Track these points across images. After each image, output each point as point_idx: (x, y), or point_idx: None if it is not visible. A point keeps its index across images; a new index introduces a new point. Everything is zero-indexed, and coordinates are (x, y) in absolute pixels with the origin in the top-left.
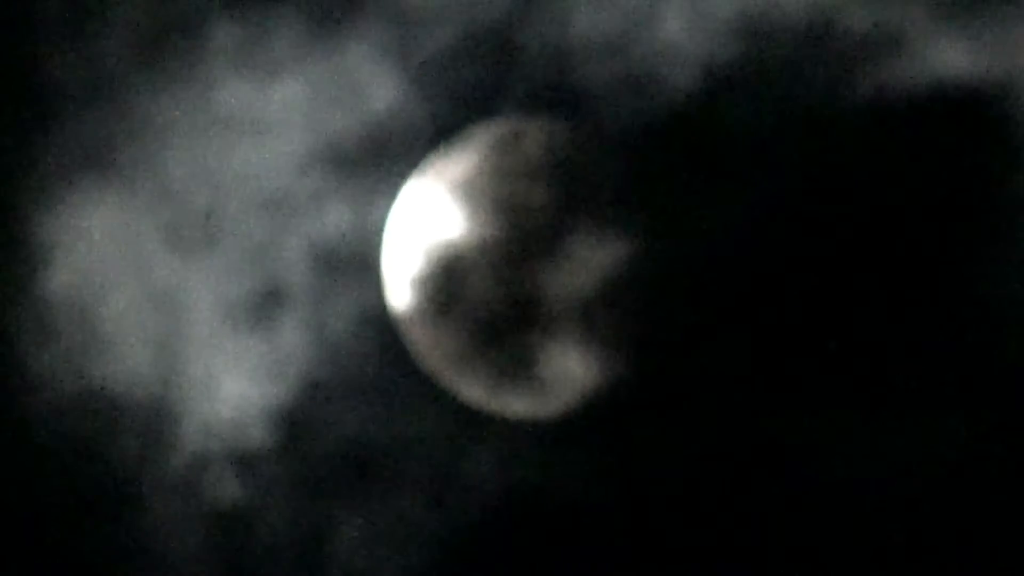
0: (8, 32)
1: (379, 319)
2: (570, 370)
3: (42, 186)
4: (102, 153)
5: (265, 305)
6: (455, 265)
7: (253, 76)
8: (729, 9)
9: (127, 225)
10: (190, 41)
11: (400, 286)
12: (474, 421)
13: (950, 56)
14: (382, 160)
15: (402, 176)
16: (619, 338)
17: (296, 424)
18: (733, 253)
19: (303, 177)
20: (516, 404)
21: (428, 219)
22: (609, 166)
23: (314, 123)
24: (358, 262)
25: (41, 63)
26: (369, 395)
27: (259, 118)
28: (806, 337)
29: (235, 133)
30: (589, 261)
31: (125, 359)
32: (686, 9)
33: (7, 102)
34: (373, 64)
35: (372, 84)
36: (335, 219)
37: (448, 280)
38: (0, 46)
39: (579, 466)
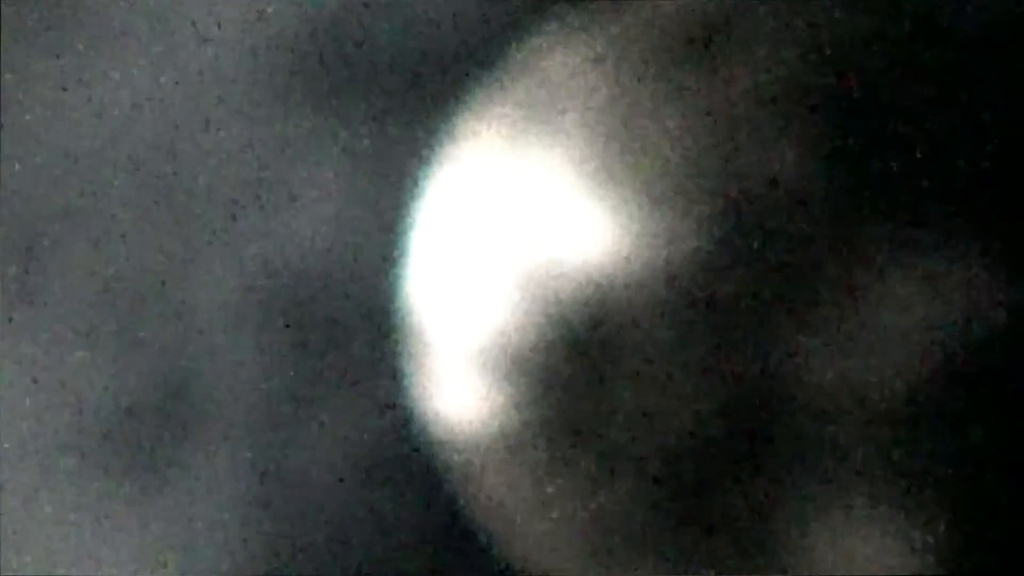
0: None
1: (401, 449)
2: (847, 557)
3: None
4: None
5: (147, 424)
6: (595, 311)
7: None
8: None
9: None
10: None
11: (450, 369)
12: None
13: None
14: (402, 87)
15: (445, 120)
16: (955, 491)
17: None
18: None
19: (233, 137)
20: None
21: (514, 211)
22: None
23: (263, 19)
24: (352, 318)
25: None
26: None
27: (143, 18)
28: None
29: (96, 49)
30: (906, 321)
31: None
32: None
33: None
34: None
35: None
36: (303, 226)
37: (582, 355)
38: None
39: None
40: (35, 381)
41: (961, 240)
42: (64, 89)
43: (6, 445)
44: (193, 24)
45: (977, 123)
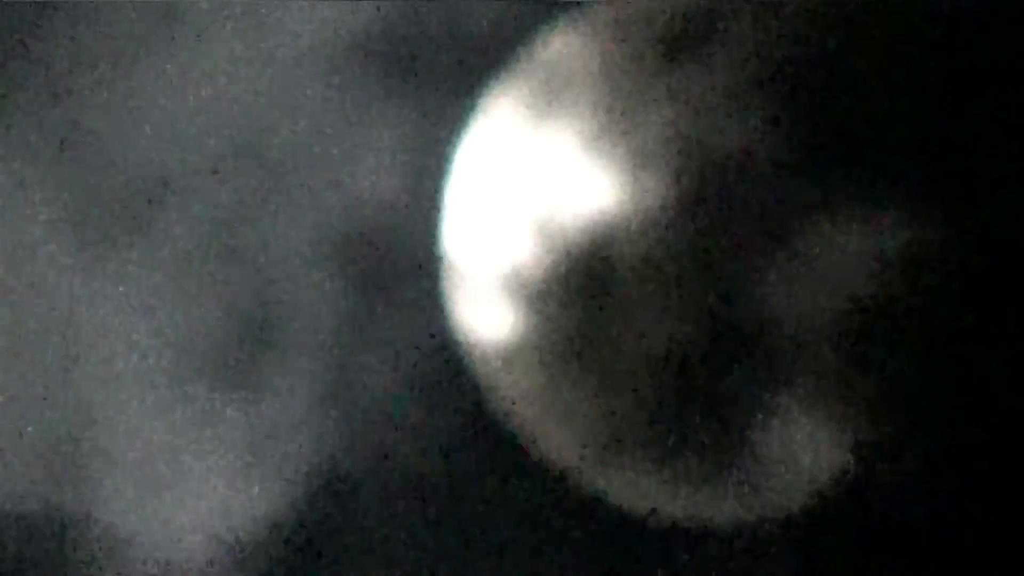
0: None
1: (443, 363)
2: (799, 446)
3: None
4: None
5: (238, 344)
6: (598, 250)
7: None
8: None
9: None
10: None
11: (483, 298)
12: (634, 537)
13: None
14: (444, 74)
15: (478, 99)
16: (884, 397)
17: (304, 553)
18: None
19: (311, 109)
20: (707, 505)
21: (533, 171)
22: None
23: (338, 21)
24: (403, 257)
25: None
26: (434, 501)
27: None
28: None
29: (205, 41)
30: (844, 259)
31: None
32: None
33: None
34: None
35: None
36: (364, 182)
37: (587, 285)
38: None
39: None
40: (149, 310)
41: (897, 194)
42: (175, 71)
43: (126, 362)
44: (280, 22)
45: (912, 109)
